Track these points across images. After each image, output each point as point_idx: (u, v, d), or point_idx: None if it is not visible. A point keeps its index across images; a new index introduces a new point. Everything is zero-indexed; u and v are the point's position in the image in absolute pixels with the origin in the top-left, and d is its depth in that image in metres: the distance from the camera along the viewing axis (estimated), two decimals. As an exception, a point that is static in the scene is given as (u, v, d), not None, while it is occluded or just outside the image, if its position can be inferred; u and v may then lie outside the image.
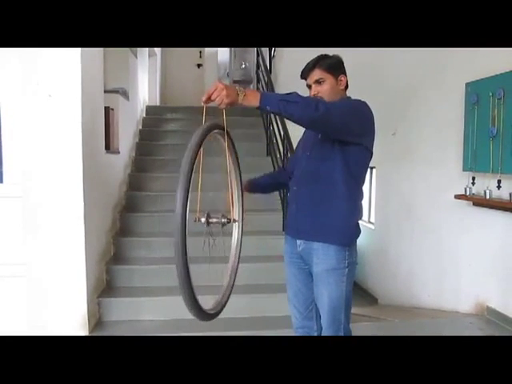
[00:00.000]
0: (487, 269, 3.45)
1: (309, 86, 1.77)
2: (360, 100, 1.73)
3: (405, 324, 3.64)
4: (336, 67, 1.75)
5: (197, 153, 1.25)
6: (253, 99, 1.42)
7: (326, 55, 1.76)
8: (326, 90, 1.72)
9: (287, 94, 1.51)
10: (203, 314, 1.33)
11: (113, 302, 2.86)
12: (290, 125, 3.10)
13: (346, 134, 1.63)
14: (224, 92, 1.37)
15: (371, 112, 1.71)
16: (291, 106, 1.45)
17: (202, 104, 1.41)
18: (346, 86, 1.79)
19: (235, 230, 1.63)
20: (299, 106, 1.46)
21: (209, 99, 1.40)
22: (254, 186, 1.97)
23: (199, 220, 1.38)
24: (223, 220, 1.40)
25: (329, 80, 1.73)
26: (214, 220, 1.40)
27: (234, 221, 1.49)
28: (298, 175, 1.81)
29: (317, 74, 1.73)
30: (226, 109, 1.41)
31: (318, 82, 1.73)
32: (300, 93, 1.51)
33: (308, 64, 1.76)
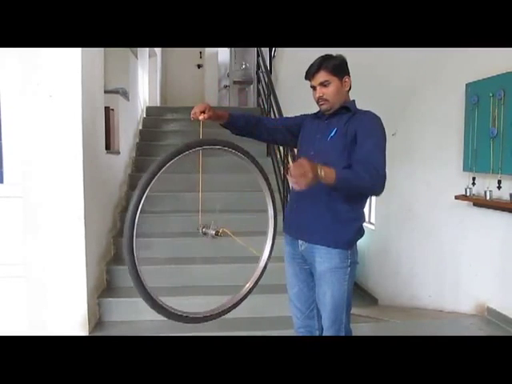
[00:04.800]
0: (488, 269, 3.45)
1: (313, 88, 1.74)
2: (378, 119, 1.69)
3: (405, 325, 3.64)
4: (341, 69, 1.72)
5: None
6: (329, 180, 1.44)
7: (330, 56, 1.71)
8: (331, 92, 1.70)
9: (354, 173, 1.53)
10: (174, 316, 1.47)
11: (113, 303, 2.86)
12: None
13: None
14: (305, 181, 1.37)
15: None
16: (360, 184, 1.52)
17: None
18: (350, 87, 1.76)
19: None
20: (367, 182, 1.51)
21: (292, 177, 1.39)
22: (231, 122, 1.83)
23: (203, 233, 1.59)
24: (212, 232, 1.58)
25: (334, 82, 1.69)
26: (209, 232, 1.59)
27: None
28: None
29: (322, 76, 1.69)
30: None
31: (323, 84, 1.69)
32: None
33: (313, 65, 1.71)
